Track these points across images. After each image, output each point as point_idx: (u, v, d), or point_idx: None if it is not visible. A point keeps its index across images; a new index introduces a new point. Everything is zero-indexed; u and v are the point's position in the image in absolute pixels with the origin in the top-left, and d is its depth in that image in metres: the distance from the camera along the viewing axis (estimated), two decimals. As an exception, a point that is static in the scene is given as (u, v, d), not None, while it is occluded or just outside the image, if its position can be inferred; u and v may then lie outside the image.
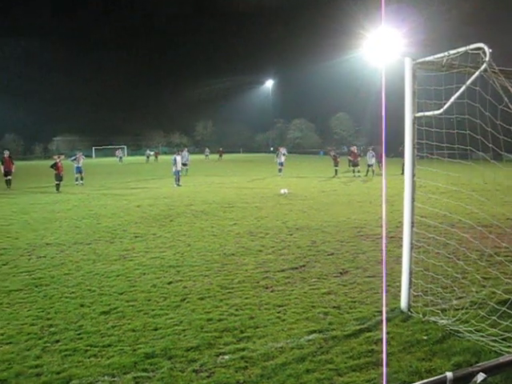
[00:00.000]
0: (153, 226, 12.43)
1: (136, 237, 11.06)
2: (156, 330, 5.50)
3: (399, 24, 48.76)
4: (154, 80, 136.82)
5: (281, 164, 31.55)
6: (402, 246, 5.90)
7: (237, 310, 6.09)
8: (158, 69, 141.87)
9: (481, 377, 1.92)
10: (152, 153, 68.54)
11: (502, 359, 2.08)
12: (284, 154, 32.95)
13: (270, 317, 5.81)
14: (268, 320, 5.71)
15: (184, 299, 6.52)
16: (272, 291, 6.80)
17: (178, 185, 24.51)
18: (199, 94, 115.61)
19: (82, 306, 6.34)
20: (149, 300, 6.52)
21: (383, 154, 6.10)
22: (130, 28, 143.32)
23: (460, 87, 5.21)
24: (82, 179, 26.88)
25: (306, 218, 13.46)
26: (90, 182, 27.97)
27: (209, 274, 7.71)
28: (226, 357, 4.79)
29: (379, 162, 31.76)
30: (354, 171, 29.90)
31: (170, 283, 7.27)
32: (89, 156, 72.36)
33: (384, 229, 7.18)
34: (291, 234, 10.97)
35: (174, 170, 25.32)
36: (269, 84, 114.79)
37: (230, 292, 6.79)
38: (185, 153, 35.44)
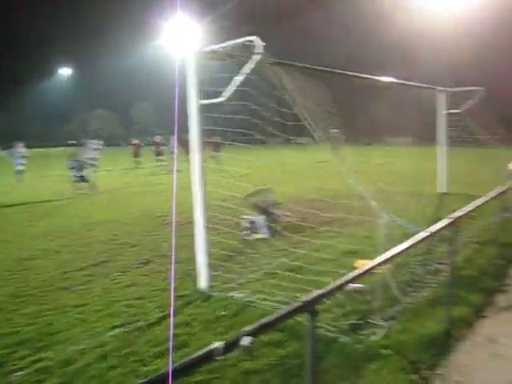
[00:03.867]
0: None
1: None
2: None
3: (196, 14, 49.84)
4: None
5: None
6: (195, 229, 6.13)
7: (32, 318, 5.62)
8: None
9: (247, 340, 2.12)
10: None
11: (265, 320, 2.33)
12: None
13: (70, 319, 5.52)
14: (68, 323, 5.42)
15: (-33, 318, 5.79)
16: (72, 292, 6.47)
17: None
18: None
19: None
20: None
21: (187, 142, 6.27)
22: None
23: (238, 76, 5.60)
24: None
25: (109, 211, 13.04)
26: None
27: (-2, 285, 6.97)
28: (21, 373, 4.41)
29: (186, 150, 32.19)
30: (157, 161, 29.86)
31: None
32: None
33: (174, 215, 7.37)
34: (92, 230, 10.54)
35: None
36: (64, 72, 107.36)
37: (23, 301, 6.23)
38: None
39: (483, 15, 48.67)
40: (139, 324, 5.28)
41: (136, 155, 30.03)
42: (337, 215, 8.27)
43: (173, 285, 5.79)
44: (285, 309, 2.57)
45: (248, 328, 2.22)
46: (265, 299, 5.63)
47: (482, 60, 50.07)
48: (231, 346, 2.10)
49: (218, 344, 2.04)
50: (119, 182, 21.48)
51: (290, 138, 6.40)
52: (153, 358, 4.51)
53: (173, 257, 5.98)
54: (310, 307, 2.56)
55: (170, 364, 1.81)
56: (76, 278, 7.08)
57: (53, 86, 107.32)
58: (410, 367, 4.22)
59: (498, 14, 48.19)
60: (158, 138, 32.12)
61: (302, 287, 5.74)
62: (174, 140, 30.72)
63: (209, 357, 2.01)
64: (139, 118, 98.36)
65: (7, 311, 5.90)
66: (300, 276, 6.17)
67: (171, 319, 5.27)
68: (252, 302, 5.63)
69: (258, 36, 5.49)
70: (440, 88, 13.61)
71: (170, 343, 4.69)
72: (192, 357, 1.94)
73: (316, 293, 2.63)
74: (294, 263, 6.72)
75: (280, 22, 72.12)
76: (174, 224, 5.70)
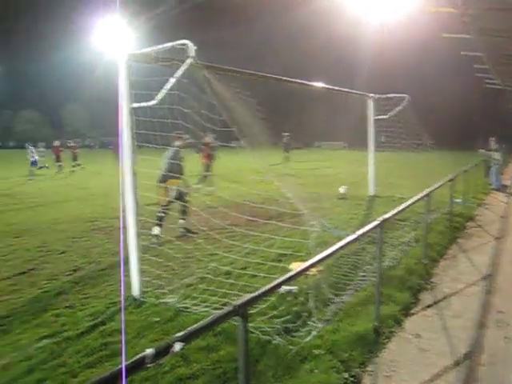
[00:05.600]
0: None
1: None
2: None
3: (130, 15, 48.76)
4: None
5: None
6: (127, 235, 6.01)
7: None
8: None
9: (178, 345, 2.11)
10: None
11: (197, 326, 2.33)
12: None
13: (-7, 332, 5.24)
14: (-10, 336, 5.14)
15: None
16: (-5, 303, 6.13)
17: None
18: None
19: None
20: None
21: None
22: None
23: (171, 79, 5.57)
24: None
25: (36, 217, 12.47)
26: None
27: None
28: None
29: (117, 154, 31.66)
30: (73, 166, 29.02)
31: None
32: None
33: (121, 219, 7.21)
34: (19, 237, 10.02)
35: None
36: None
37: None
38: None
39: (414, 28, 51.10)
40: (68, 334, 5.09)
41: (58, 159, 28.91)
42: (268, 220, 8.38)
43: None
44: (216, 313, 2.58)
45: (180, 333, 2.21)
46: (197, 304, 5.62)
47: (412, 70, 52.74)
48: (163, 352, 2.08)
49: (149, 351, 2.01)
50: (43, 186, 20.60)
51: (220, 143, 6.42)
52: (83, 369, 4.38)
53: (121, 263, 5.75)
54: (241, 311, 2.59)
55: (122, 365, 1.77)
56: (0, 287, 6.71)
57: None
58: (342, 366, 4.35)
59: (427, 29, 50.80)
60: (73, 142, 32.04)
61: (234, 292, 5.79)
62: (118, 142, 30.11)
63: (140, 364, 1.98)
64: (70, 120, 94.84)
65: None
66: (232, 280, 6.20)
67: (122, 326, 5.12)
68: (185, 307, 5.59)
69: (190, 40, 5.51)
70: (369, 94, 14.16)
71: (123, 350, 4.56)
72: (124, 364, 1.90)
73: (247, 296, 2.66)
74: (225, 268, 6.73)
75: (216, 29, 72.27)
76: (121, 229, 5.51)
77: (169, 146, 6.29)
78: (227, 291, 5.83)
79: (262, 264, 6.89)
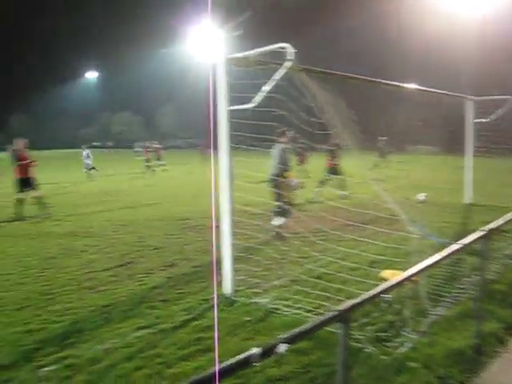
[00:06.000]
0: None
1: None
2: (-37, 353, 4.88)
3: (223, 19, 50.20)
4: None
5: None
6: (221, 234, 6.15)
7: (59, 316, 5.71)
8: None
9: (283, 347, 2.11)
10: None
11: (301, 329, 2.32)
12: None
13: (96, 319, 5.58)
14: (93, 322, 5.48)
15: (-3, 312, 5.90)
16: (97, 292, 6.55)
17: None
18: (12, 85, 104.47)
19: None
20: (-46, 318, 5.76)
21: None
22: None
23: (268, 82, 5.62)
24: None
25: (131, 213, 13.18)
26: None
27: (26, 282, 7.08)
28: (48, 368, 4.47)
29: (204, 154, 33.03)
30: (159, 165, 30.26)
31: (-21, 297, 6.51)
32: None
33: (213, 219, 7.41)
34: (116, 231, 10.65)
35: None
36: (90, 75, 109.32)
37: (50, 298, 6.33)
38: None
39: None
40: (163, 326, 5.30)
41: (155, 159, 30.38)
42: (364, 224, 8.21)
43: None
44: (319, 317, 2.55)
45: (284, 335, 2.21)
46: (289, 306, 5.62)
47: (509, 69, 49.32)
48: (268, 352, 2.09)
49: (255, 350, 2.03)
50: (131, 185, 21.74)
51: (317, 145, 6.39)
52: (178, 361, 4.53)
53: (214, 260, 5.93)
54: (343, 316, 2.54)
55: (216, 366, 1.81)
56: (101, 278, 7.15)
57: (78, 89, 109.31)
58: (439, 382, 4.14)
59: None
60: (157, 143, 33.42)
61: (326, 295, 5.73)
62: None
63: (247, 362, 2.00)
64: (162, 122, 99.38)
65: (35, 308, 5.99)
66: (325, 284, 6.14)
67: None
68: (276, 308, 5.61)
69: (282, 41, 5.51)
70: (469, 97, 13.43)
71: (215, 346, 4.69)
72: (231, 361, 1.94)
73: (350, 302, 2.61)
74: (318, 270, 6.69)
75: (306, 31, 72.15)
76: (213, 228, 5.70)
77: (263, 147, 6.37)
78: (319, 293, 5.78)
79: (355, 269, 6.76)
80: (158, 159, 30.90)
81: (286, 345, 2.14)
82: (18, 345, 4.97)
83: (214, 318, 5.30)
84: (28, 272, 7.58)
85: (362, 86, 9.08)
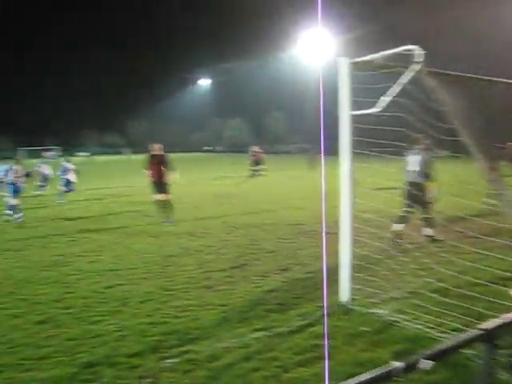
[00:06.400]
0: (89, 230, 11.97)
1: (71, 240, 10.62)
2: (96, 337, 5.27)
3: (334, 23, 50.14)
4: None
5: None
6: (340, 241, 6.02)
7: (180, 311, 5.98)
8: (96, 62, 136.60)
9: (427, 363, 1.98)
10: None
11: (444, 346, 2.16)
12: None
13: (214, 317, 5.75)
14: (212, 320, 5.65)
15: (124, 304, 6.32)
16: (214, 291, 6.75)
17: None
18: (133, 91, 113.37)
19: (15, 317, 5.98)
20: (87, 306, 6.26)
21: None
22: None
23: (394, 86, 5.41)
24: None
25: (244, 216, 13.49)
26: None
27: (148, 277, 7.53)
28: (171, 360, 4.68)
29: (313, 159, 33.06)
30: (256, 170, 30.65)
31: (108, 288, 7.02)
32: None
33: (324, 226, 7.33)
34: (230, 233, 10.95)
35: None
36: (203, 82, 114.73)
37: (171, 294, 6.66)
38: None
39: None
40: (280, 330, 5.31)
41: (254, 163, 31.00)
42: (492, 237, 7.61)
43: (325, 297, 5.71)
44: (461, 336, 2.37)
45: (427, 352, 2.08)
46: (408, 320, 5.35)
47: None
48: (411, 367, 1.97)
49: (398, 364, 1.92)
50: (239, 188, 22.38)
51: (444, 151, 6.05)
52: (295, 366, 4.49)
53: (325, 266, 5.88)
54: (489, 337, 2.33)
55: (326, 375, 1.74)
56: (217, 278, 7.37)
57: (191, 96, 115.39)
58: None
59: None
60: (257, 148, 33.37)
61: (448, 312, 5.37)
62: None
63: (389, 376, 1.90)
64: (272, 127, 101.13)
65: (158, 302, 6.33)
66: (444, 299, 5.76)
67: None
68: (396, 321, 5.37)
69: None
70: None
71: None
72: (372, 374, 1.85)
73: (497, 321, 2.38)
74: (439, 284, 6.30)
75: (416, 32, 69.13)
76: (323, 234, 5.63)
77: (387, 153, 6.13)
78: (440, 310, 5.44)
79: (480, 285, 6.27)
80: (258, 164, 31.30)
81: (430, 362, 2.01)
82: (143, 335, 5.28)
83: (324, 326, 5.18)
84: (150, 268, 8.06)
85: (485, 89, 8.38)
